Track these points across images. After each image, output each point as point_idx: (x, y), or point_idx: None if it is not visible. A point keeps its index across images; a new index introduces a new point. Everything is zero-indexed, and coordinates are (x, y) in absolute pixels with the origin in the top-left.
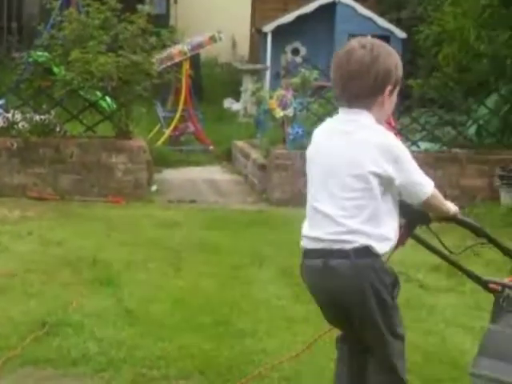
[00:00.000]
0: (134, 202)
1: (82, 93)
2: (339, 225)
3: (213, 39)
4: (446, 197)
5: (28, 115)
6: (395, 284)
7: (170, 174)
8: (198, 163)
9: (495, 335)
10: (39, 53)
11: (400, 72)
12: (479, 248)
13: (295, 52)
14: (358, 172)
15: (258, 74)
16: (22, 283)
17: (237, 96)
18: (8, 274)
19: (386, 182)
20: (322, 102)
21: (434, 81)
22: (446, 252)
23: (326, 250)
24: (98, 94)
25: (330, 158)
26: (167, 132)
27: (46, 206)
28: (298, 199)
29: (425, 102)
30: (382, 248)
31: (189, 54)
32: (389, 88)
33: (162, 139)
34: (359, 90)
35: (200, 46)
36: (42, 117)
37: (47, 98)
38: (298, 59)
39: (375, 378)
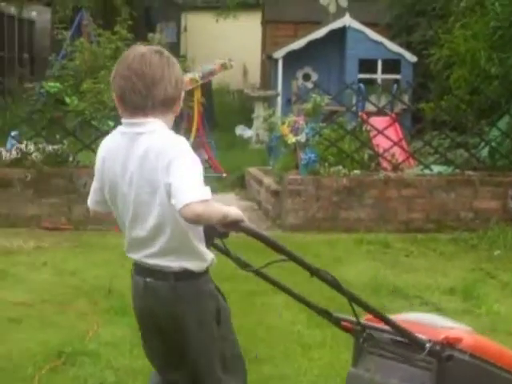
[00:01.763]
0: None
1: (94, 122)
2: (151, 246)
3: (224, 67)
4: (459, 220)
5: (41, 146)
6: (219, 309)
7: None
8: (212, 191)
9: (355, 380)
10: (51, 83)
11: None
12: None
13: (306, 77)
14: (150, 189)
15: (269, 101)
16: (38, 314)
17: (249, 123)
18: (24, 305)
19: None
20: (333, 126)
21: (445, 104)
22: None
23: (147, 268)
24: (111, 123)
25: (127, 180)
26: None
27: (61, 236)
28: (311, 224)
29: (437, 125)
30: (199, 266)
31: (200, 82)
32: (182, 96)
33: None
34: (164, 96)
35: (211, 73)
36: (55, 147)
37: (60, 129)
38: (309, 85)
39: None
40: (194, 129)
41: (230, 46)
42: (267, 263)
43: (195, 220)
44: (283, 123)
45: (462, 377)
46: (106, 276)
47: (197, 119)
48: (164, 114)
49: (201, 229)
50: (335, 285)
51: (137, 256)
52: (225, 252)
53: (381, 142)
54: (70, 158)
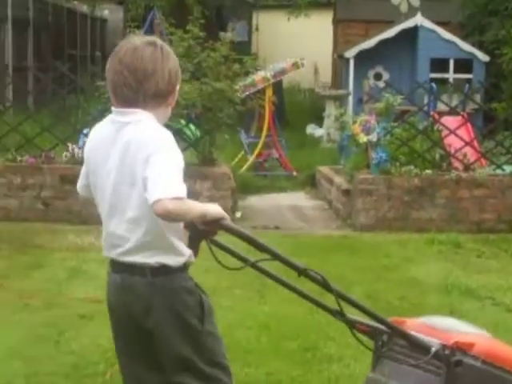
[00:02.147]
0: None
1: None
2: (127, 241)
3: (295, 65)
4: None
5: None
6: (202, 304)
7: (254, 201)
8: (281, 189)
9: None
10: None
11: (180, 75)
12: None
13: (378, 77)
14: (130, 181)
15: (340, 100)
16: None
17: (319, 122)
18: (96, 301)
19: None
20: (405, 126)
21: None
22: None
23: (124, 265)
24: (182, 121)
25: (107, 171)
26: (251, 158)
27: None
28: (382, 224)
29: (509, 125)
30: (176, 261)
31: (272, 81)
32: (176, 89)
33: (246, 166)
34: (155, 90)
35: (283, 72)
36: None
37: None
38: (381, 84)
39: None
40: (265, 127)
41: (301, 44)
42: (257, 260)
43: (166, 216)
44: (354, 122)
45: (472, 383)
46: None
47: (268, 118)
48: (155, 107)
49: (180, 224)
50: (324, 284)
51: (112, 254)
52: (223, 248)
53: (452, 142)
54: None
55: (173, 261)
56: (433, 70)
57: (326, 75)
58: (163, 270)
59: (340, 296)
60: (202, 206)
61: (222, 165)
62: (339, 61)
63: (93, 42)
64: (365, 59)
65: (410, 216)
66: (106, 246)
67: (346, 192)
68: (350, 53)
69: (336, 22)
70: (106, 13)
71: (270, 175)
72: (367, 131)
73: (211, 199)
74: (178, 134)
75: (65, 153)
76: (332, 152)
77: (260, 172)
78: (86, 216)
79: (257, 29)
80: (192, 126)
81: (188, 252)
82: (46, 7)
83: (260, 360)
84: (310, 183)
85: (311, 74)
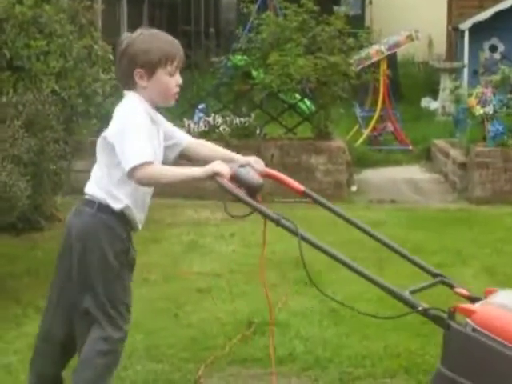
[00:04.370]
0: (334, 202)
1: (281, 95)
2: (90, 181)
3: (410, 38)
4: None
5: (228, 118)
6: (127, 252)
7: (370, 174)
8: (397, 163)
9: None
10: (238, 57)
11: (154, 55)
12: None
13: (493, 49)
14: (102, 139)
15: (455, 72)
16: (227, 284)
17: (434, 95)
18: (213, 275)
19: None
20: None
21: None
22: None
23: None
24: (297, 96)
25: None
26: (366, 132)
27: (245, 208)
28: (499, 197)
29: None
30: (114, 206)
31: (386, 54)
32: (138, 71)
33: (361, 139)
34: (117, 73)
35: (397, 45)
36: (242, 120)
37: (247, 102)
38: (496, 56)
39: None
40: (379, 101)
41: (415, 17)
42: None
43: (140, 183)
44: (470, 95)
45: (461, 348)
46: (293, 248)
47: (382, 91)
48: (130, 88)
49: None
50: (294, 231)
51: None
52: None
53: None
54: (257, 131)
55: (113, 204)
56: None
57: (441, 47)
58: (105, 207)
59: (313, 245)
60: (195, 169)
61: (337, 139)
62: (454, 33)
63: (207, 18)
64: (480, 31)
65: None
66: None
67: (462, 165)
68: (465, 25)
69: None
70: None
71: (385, 149)
72: (483, 104)
73: (326, 173)
74: (293, 109)
75: (181, 129)
76: (447, 125)
77: (375, 146)
78: (203, 191)
79: (370, 2)
80: (307, 101)
81: (124, 202)
82: None
83: (378, 333)
84: (426, 156)
85: (425, 47)
